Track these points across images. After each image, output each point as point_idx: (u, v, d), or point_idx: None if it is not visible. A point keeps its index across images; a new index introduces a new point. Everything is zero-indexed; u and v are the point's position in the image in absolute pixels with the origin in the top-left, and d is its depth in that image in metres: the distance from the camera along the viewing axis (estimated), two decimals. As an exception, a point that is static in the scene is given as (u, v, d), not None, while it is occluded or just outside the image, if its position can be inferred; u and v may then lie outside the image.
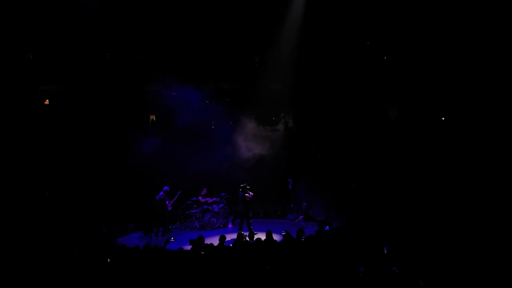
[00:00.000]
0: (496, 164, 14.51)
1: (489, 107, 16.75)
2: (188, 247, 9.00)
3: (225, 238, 9.92)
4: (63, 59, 17.69)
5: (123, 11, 17.18)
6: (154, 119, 20.49)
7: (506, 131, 15.26)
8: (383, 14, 16.94)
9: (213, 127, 19.74)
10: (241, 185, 14.58)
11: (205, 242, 9.58)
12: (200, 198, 16.24)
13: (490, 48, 15.67)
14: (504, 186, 13.44)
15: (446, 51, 16.58)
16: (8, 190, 14.33)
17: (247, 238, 9.52)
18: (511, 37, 15.05)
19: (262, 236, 9.80)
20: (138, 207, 15.98)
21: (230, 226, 15.90)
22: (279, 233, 11.77)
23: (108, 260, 8.93)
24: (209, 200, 16.31)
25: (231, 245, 9.56)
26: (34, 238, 11.32)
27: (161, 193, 14.90)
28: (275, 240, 9.69)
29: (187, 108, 18.13)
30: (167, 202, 14.96)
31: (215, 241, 9.87)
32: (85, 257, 8.67)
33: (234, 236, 12.72)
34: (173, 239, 9.60)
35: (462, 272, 7.33)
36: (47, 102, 17.78)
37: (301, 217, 16.77)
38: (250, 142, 17.34)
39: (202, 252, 8.51)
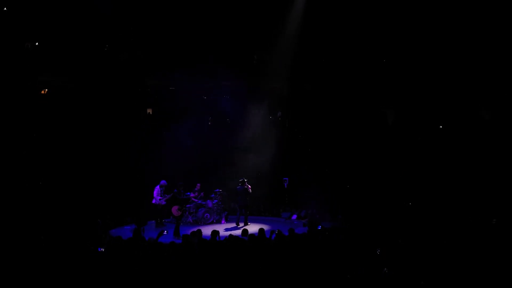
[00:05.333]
0: (492, 167, 14.66)
1: (488, 115, 16.88)
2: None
3: (217, 233, 9.97)
4: (62, 50, 17.68)
5: (127, 8, 17.25)
6: (151, 113, 20.52)
7: (504, 138, 15.41)
8: (383, 17, 17.01)
9: (209, 123, 19.78)
10: (240, 180, 15.28)
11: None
12: (191, 193, 16.26)
13: (490, 54, 15.77)
14: (500, 189, 13.59)
15: (444, 57, 16.69)
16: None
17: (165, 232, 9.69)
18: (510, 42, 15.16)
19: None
20: (133, 200, 16.01)
21: (223, 222, 15.94)
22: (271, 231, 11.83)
23: (101, 251, 8.99)
24: (193, 194, 16.19)
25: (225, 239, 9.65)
26: (27, 229, 11.29)
27: (157, 186, 15.04)
28: (268, 238, 9.79)
29: (185, 103, 18.19)
30: (160, 197, 15.01)
31: (207, 236, 9.95)
32: (78, 248, 8.69)
33: (226, 232, 12.84)
34: (166, 232, 9.65)
35: (456, 274, 7.40)
36: (44, 91, 17.76)
37: (294, 216, 16.82)
38: (247, 140, 17.39)
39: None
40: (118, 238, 9.37)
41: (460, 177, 14.97)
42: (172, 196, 14.26)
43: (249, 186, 15.26)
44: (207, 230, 12.10)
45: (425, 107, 17.63)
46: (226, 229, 14.33)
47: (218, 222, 15.89)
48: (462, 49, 16.34)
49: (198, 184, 16.42)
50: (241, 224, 15.00)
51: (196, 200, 15.95)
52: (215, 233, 9.89)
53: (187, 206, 15.80)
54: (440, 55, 16.80)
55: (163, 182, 15.14)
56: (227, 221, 16.01)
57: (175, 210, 13.72)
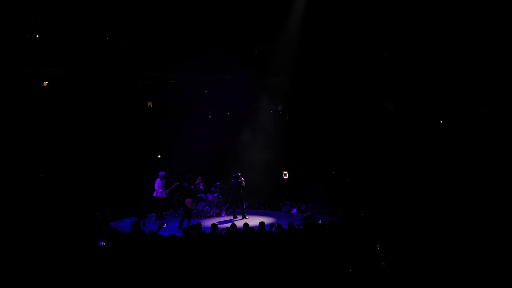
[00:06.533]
0: (491, 163, 14.66)
1: (487, 110, 16.86)
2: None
3: (217, 226, 10.00)
4: (63, 42, 17.63)
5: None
6: (151, 106, 20.49)
7: (504, 133, 15.41)
8: (385, 13, 16.96)
9: (210, 116, 19.75)
10: (233, 174, 15.38)
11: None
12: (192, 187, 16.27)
13: (490, 51, 15.74)
14: (499, 183, 13.59)
15: (446, 53, 16.67)
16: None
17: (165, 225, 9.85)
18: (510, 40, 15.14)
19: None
20: (133, 192, 16.03)
21: (223, 215, 15.97)
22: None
23: (101, 243, 9.01)
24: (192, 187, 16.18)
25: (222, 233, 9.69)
26: (27, 222, 11.28)
27: (158, 179, 15.07)
28: (267, 231, 9.83)
29: (185, 96, 18.16)
30: (161, 190, 15.05)
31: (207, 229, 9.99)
32: (78, 241, 8.71)
33: (226, 224, 12.85)
34: (166, 225, 9.68)
35: (454, 270, 7.41)
36: (45, 83, 17.72)
37: (294, 210, 16.85)
38: (247, 134, 17.37)
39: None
40: (114, 230, 9.39)
41: (459, 172, 14.99)
42: (184, 189, 14.30)
43: (243, 179, 15.34)
44: (207, 223, 12.17)
45: (426, 102, 17.61)
46: (226, 222, 14.35)
47: (218, 215, 15.93)
48: (462, 46, 16.32)
49: (199, 177, 16.42)
50: (239, 217, 15.03)
51: (203, 194, 15.98)
52: (214, 226, 9.92)
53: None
54: (442, 51, 16.77)
55: (162, 173, 15.17)
56: (227, 214, 16.03)
57: (189, 202, 13.82)
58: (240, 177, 15.30)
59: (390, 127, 18.32)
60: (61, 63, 17.94)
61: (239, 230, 9.76)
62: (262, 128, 17.58)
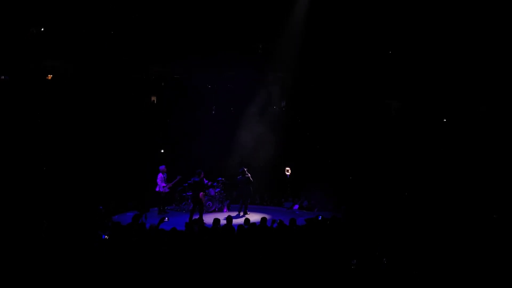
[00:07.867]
0: (493, 164, 14.64)
1: (486, 109, 16.83)
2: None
3: (219, 221, 10.05)
4: (67, 35, 17.63)
5: None
6: (155, 101, 20.52)
7: (503, 132, 15.38)
8: (389, 11, 16.91)
9: (213, 112, 19.77)
10: (240, 170, 15.34)
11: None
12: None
13: (489, 50, 15.71)
14: (500, 184, 13.58)
15: (450, 50, 16.63)
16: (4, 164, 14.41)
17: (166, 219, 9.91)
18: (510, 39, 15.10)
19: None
20: (136, 186, 16.10)
21: (225, 210, 16.02)
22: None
23: (104, 237, 9.07)
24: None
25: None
26: (29, 216, 11.35)
27: (160, 173, 15.13)
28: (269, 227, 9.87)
29: (188, 91, 18.18)
30: (164, 185, 15.12)
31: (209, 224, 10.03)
32: (81, 233, 8.76)
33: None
34: (167, 219, 9.72)
35: (456, 268, 7.43)
36: (49, 77, 17.74)
37: (296, 206, 16.88)
38: (250, 130, 17.41)
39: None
40: (117, 224, 9.45)
41: (462, 170, 14.97)
42: (196, 183, 14.39)
43: (249, 175, 15.28)
44: (209, 218, 12.21)
45: (430, 100, 17.58)
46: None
47: (220, 210, 15.98)
48: (467, 45, 16.27)
49: (202, 172, 16.46)
50: (242, 213, 15.07)
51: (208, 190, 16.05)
52: (216, 221, 9.97)
53: (188, 194, 15.87)
54: (447, 48, 16.72)
55: (162, 167, 15.25)
56: (229, 209, 16.08)
57: (202, 195, 13.98)
58: (246, 172, 15.25)
59: (394, 124, 18.30)
60: (65, 56, 17.94)
61: (240, 225, 9.79)
62: (265, 124, 17.60)
